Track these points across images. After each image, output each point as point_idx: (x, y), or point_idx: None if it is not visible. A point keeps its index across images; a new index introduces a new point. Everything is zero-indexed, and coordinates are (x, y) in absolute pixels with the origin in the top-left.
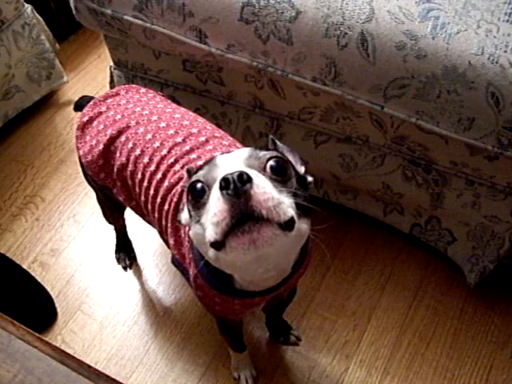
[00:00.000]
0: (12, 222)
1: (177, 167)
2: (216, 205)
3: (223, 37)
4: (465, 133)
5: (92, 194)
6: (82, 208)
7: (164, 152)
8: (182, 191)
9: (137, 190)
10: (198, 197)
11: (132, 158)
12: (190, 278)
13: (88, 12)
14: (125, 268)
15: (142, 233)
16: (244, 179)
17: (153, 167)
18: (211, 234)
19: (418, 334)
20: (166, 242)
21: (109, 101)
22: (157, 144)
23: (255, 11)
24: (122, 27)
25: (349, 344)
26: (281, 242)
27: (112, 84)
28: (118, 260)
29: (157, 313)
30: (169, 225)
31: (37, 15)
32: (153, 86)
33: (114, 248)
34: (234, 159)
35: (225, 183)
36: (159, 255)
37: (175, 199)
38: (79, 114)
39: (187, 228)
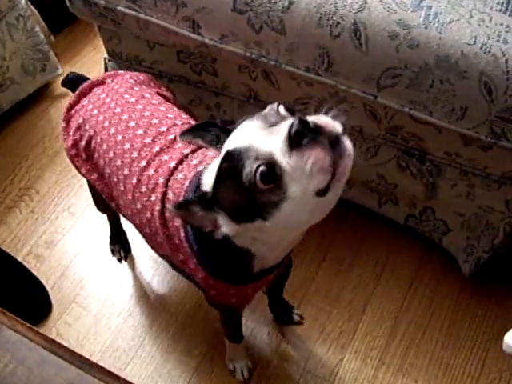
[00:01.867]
0: (7, 214)
1: (150, 171)
2: (306, 157)
3: (216, 27)
4: (458, 122)
5: (87, 187)
6: (76, 200)
7: (135, 154)
8: (164, 198)
9: (115, 192)
10: (271, 177)
11: (107, 160)
12: (199, 280)
13: (81, 3)
14: (120, 260)
15: None
16: (303, 120)
17: (126, 171)
18: (320, 181)
19: (413, 324)
20: (154, 249)
21: (93, 90)
22: (127, 146)
23: (248, 1)
24: (115, 18)
25: (344, 334)
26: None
27: None
28: (113, 252)
29: (152, 304)
30: (158, 233)
31: (31, 7)
32: None
33: (108, 240)
34: (257, 130)
35: (296, 137)
36: None
37: (158, 207)
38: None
39: (183, 233)
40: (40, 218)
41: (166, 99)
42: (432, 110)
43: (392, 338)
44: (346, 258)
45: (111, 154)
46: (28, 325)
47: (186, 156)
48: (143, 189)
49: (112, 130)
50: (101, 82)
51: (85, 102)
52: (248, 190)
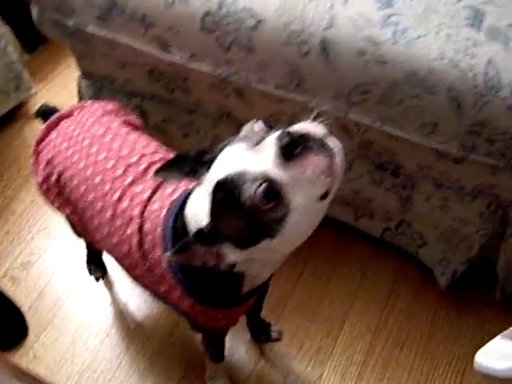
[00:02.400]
0: None
1: (124, 204)
2: (303, 166)
3: (185, 46)
4: (429, 137)
5: None
6: (52, 220)
7: (107, 187)
8: (141, 230)
9: (90, 227)
10: (274, 194)
11: (79, 195)
12: (186, 309)
13: (51, 24)
14: (97, 279)
15: None
16: (286, 133)
17: (99, 204)
18: (322, 186)
19: (392, 338)
20: (135, 280)
21: (61, 123)
22: (98, 179)
23: (216, 20)
24: (85, 38)
25: (322, 350)
26: None
27: (80, 94)
28: (90, 271)
29: (129, 325)
30: (139, 266)
31: (4, 26)
32: (120, 96)
33: (85, 259)
34: (236, 155)
35: (286, 149)
36: None
37: (135, 240)
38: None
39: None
40: (16, 238)
41: (135, 127)
42: (403, 126)
43: (370, 353)
44: (323, 273)
45: (83, 189)
46: None
47: (159, 186)
48: (118, 222)
49: (82, 164)
50: (68, 115)
51: (53, 135)
52: (250, 213)
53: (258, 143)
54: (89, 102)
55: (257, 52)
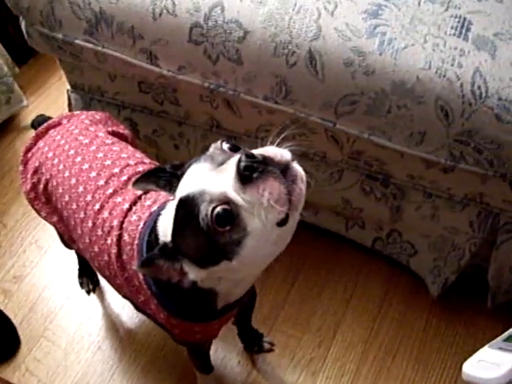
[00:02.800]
0: None
1: (105, 214)
2: (262, 189)
3: (174, 58)
4: (417, 147)
5: None
6: (44, 233)
7: (89, 197)
8: (119, 241)
9: (73, 235)
10: (228, 218)
11: (63, 204)
12: (162, 321)
13: (39, 36)
14: (88, 292)
15: None
16: (249, 155)
17: (82, 214)
18: (279, 212)
19: (384, 348)
20: (117, 290)
21: (49, 132)
22: (81, 189)
23: (203, 32)
24: (73, 51)
25: (314, 361)
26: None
27: (70, 107)
28: (81, 284)
29: (121, 337)
30: (117, 276)
31: None
32: (110, 108)
33: (76, 272)
34: (205, 173)
35: (248, 170)
36: None
37: (114, 251)
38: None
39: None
40: (7, 252)
41: (123, 138)
42: (391, 136)
43: (363, 363)
44: (314, 283)
45: (67, 198)
46: None
47: (140, 197)
48: (99, 232)
49: (66, 173)
50: (57, 124)
51: (41, 144)
52: (207, 233)
53: (222, 163)
54: (78, 111)
55: (244, 63)
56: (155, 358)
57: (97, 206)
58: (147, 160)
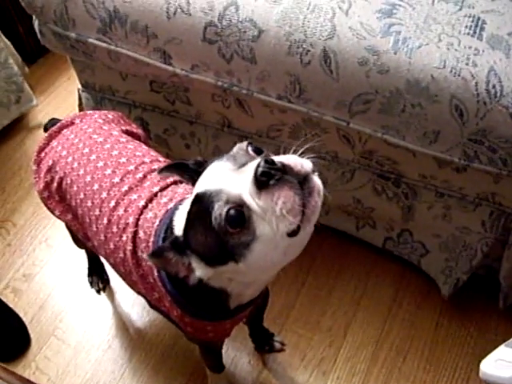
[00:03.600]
0: None
1: (120, 211)
2: (275, 198)
3: (187, 57)
4: (431, 146)
5: None
6: (54, 232)
7: (104, 195)
8: (135, 237)
9: (88, 233)
10: (240, 221)
11: (78, 201)
12: (175, 318)
13: (53, 35)
14: (98, 291)
15: None
16: (268, 161)
17: (97, 212)
18: (291, 223)
19: (395, 348)
20: (131, 287)
21: (63, 132)
22: (96, 186)
23: (218, 31)
24: (86, 50)
25: (325, 361)
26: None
27: (81, 107)
28: (91, 283)
29: (131, 336)
30: (132, 273)
31: (4, 39)
32: (121, 107)
33: (86, 271)
34: (223, 173)
35: (265, 176)
36: None
37: (129, 247)
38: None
39: (156, 272)
40: (17, 250)
41: (136, 137)
42: (404, 135)
43: (374, 363)
44: (325, 283)
45: (82, 195)
46: (2, 365)
47: (156, 194)
48: (114, 229)
49: (81, 171)
50: (70, 123)
51: (54, 143)
52: (218, 232)
53: (243, 165)
54: (90, 111)
55: (258, 62)
56: (166, 356)
57: (112, 203)
58: (162, 158)
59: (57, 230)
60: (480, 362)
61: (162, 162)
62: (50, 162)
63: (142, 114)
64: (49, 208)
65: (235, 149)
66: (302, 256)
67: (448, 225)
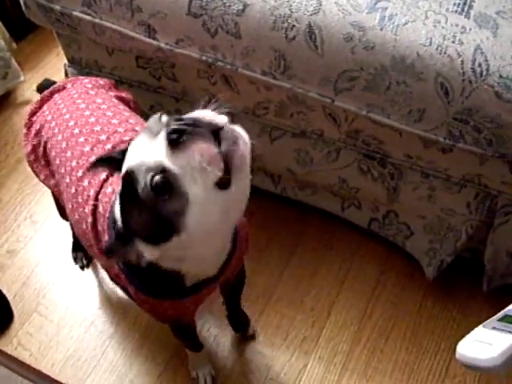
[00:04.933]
0: None
1: (85, 182)
2: (193, 152)
3: (172, 31)
4: (416, 124)
5: (49, 194)
6: (38, 208)
7: (74, 163)
8: (95, 211)
9: (63, 201)
10: (167, 186)
11: (55, 167)
12: (131, 295)
13: (37, 8)
14: (82, 268)
15: None
16: (175, 119)
17: (67, 179)
18: (215, 175)
19: (377, 329)
20: (97, 260)
21: (54, 96)
22: (69, 153)
23: (203, 5)
24: (71, 23)
25: (307, 340)
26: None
27: None
28: (75, 259)
29: (114, 312)
30: (93, 245)
31: None
32: None
33: (71, 247)
34: (143, 142)
35: (176, 132)
36: None
37: (90, 220)
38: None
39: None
40: (2, 226)
41: (126, 103)
42: (390, 113)
43: (356, 344)
44: (309, 263)
45: (58, 161)
46: None
47: None
48: (79, 199)
49: (59, 137)
50: (62, 88)
51: (44, 107)
52: (149, 206)
53: (158, 133)
54: (82, 77)
55: (243, 37)
56: (149, 332)
57: (79, 173)
58: (140, 127)
59: (42, 207)
60: None
61: (138, 132)
62: (38, 126)
63: (129, 90)
64: (34, 172)
65: (150, 121)
66: (286, 235)
67: (433, 206)
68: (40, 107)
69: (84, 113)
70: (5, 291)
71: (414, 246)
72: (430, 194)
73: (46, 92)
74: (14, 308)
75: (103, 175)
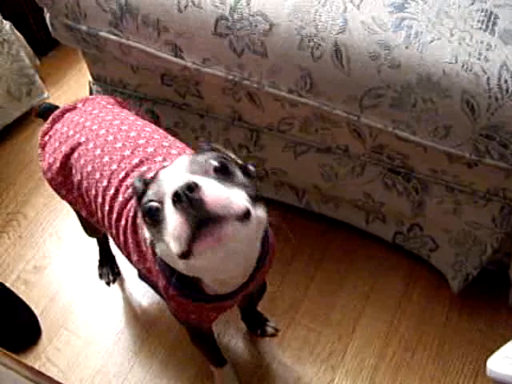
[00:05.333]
0: None
1: (128, 181)
2: (173, 219)
3: (198, 51)
4: (441, 141)
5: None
6: (64, 224)
7: (114, 166)
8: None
9: (93, 206)
10: (154, 216)
11: (85, 174)
12: (161, 290)
13: (64, 29)
14: (108, 283)
15: None
16: (192, 187)
17: (105, 182)
18: (176, 247)
19: (403, 343)
20: (127, 258)
21: (66, 115)
22: (106, 159)
23: (229, 25)
24: (97, 43)
25: (334, 355)
26: (243, 233)
27: None
28: (101, 275)
29: (141, 328)
30: (129, 240)
31: (16, 32)
32: (132, 100)
33: (97, 263)
34: (176, 170)
35: (176, 197)
36: None
37: (131, 214)
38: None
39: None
40: (28, 242)
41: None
42: (415, 129)
43: (382, 358)
44: (334, 277)
45: (89, 168)
46: (14, 357)
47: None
48: (120, 198)
49: (90, 145)
50: (72, 108)
51: (59, 126)
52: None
53: (193, 172)
54: (91, 96)
55: (269, 56)
56: (175, 348)
57: (122, 175)
58: (172, 138)
59: (67, 223)
60: (489, 357)
61: (171, 140)
62: (57, 144)
63: (153, 107)
64: (54, 188)
65: (206, 155)
66: (311, 250)
67: (458, 220)
68: (52, 126)
69: (113, 122)
70: (32, 307)
71: (439, 259)
72: (455, 208)
73: (56, 112)
74: (41, 324)
75: (151, 174)
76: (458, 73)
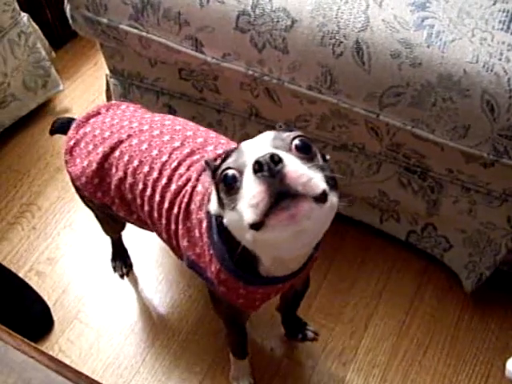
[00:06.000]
0: (8, 230)
1: (182, 170)
2: (252, 188)
3: (219, 46)
4: (460, 140)
5: None
6: (78, 216)
7: (164, 158)
8: (193, 191)
9: (138, 201)
10: (230, 184)
11: (130, 170)
12: (211, 275)
13: (84, 21)
14: (121, 276)
15: (138, 240)
16: (275, 160)
17: (155, 174)
18: (251, 216)
19: (415, 342)
20: (174, 247)
21: (91, 121)
22: (155, 152)
23: (251, 20)
24: (117, 36)
25: (346, 351)
26: (317, 214)
27: (108, 92)
28: (115, 268)
29: (153, 321)
30: (180, 227)
31: (33, 24)
32: (149, 94)
33: (110, 256)
34: (259, 143)
35: (258, 166)
36: (156, 263)
37: (186, 200)
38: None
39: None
40: (42, 234)
41: None
42: (434, 128)
43: (394, 356)
44: (347, 274)
45: (136, 163)
46: (33, 345)
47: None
48: (173, 186)
49: (134, 141)
50: (96, 113)
51: (87, 129)
52: (217, 184)
53: (277, 147)
54: (114, 102)
55: (290, 52)
56: (188, 341)
57: (174, 164)
58: (213, 134)
59: (81, 215)
60: (501, 357)
61: (216, 134)
62: (90, 147)
63: (170, 101)
64: (88, 193)
65: (290, 134)
66: (324, 247)
67: (473, 220)
68: (77, 132)
69: (154, 118)
70: (45, 298)
71: (452, 258)
72: (471, 208)
73: (79, 118)
74: (54, 315)
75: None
76: (478, 73)
